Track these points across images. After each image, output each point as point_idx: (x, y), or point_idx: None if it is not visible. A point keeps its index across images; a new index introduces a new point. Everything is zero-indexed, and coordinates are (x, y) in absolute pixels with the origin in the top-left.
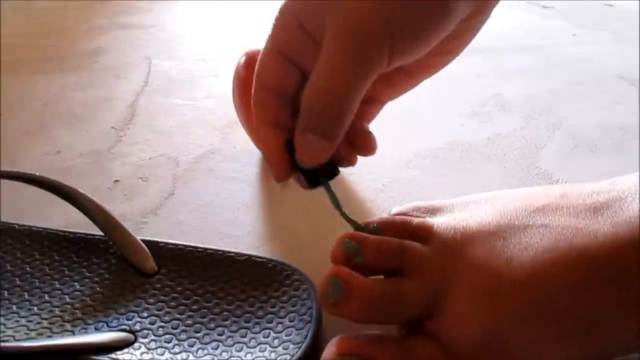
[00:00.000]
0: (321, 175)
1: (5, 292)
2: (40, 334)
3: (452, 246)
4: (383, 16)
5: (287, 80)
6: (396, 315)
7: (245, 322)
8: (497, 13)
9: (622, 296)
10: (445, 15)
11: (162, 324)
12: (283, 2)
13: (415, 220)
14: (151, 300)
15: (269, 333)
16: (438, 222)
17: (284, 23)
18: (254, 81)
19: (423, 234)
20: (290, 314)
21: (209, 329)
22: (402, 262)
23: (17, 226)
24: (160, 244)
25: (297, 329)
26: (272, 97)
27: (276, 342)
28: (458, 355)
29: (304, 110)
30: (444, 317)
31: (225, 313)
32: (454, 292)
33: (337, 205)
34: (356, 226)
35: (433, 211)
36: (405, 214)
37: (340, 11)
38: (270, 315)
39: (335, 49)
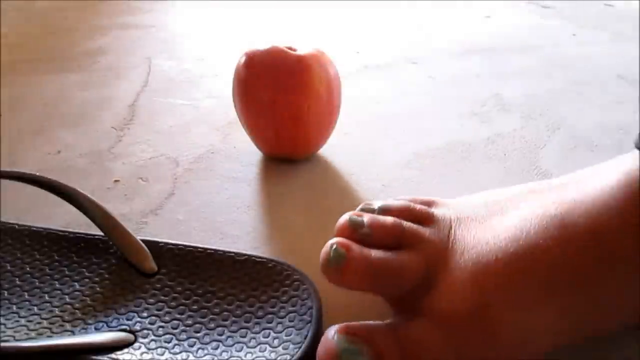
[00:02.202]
0: None
1: (5, 292)
2: (40, 334)
3: (449, 228)
4: None
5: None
6: (394, 285)
7: (245, 322)
8: (497, 13)
9: (602, 250)
10: None
11: (162, 324)
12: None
13: (418, 206)
14: (151, 300)
15: (269, 333)
16: (437, 210)
17: None
18: None
19: (424, 218)
20: (290, 314)
21: (209, 329)
22: (403, 238)
23: (17, 226)
24: (160, 244)
25: (297, 329)
26: None
27: (276, 342)
28: (451, 329)
29: None
30: (438, 290)
31: (225, 313)
32: (448, 267)
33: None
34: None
35: (430, 204)
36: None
37: None
38: (270, 315)
39: None
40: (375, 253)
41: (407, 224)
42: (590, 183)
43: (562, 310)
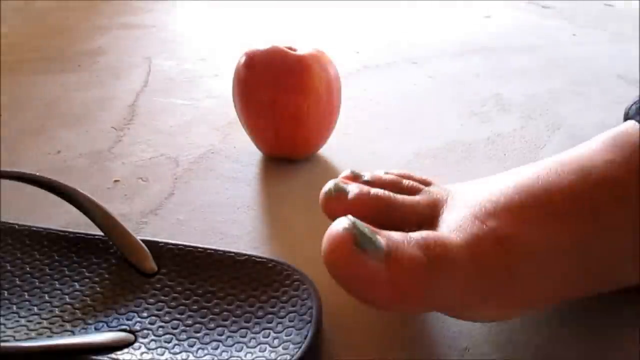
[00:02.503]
0: None
1: (5, 292)
2: (40, 334)
3: (445, 191)
4: None
5: None
6: (396, 217)
7: (245, 322)
8: (497, 13)
9: (615, 187)
10: None
11: (162, 324)
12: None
13: (408, 182)
14: (151, 300)
15: (269, 333)
16: (431, 187)
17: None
18: None
19: (414, 190)
20: (290, 314)
21: (209, 329)
22: (402, 190)
23: (17, 226)
24: (160, 244)
25: (297, 329)
26: None
27: (276, 342)
28: (476, 251)
29: None
30: (442, 219)
31: (225, 313)
32: (456, 206)
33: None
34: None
35: (426, 183)
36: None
37: None
38: (270, 315)
39: None
40: (376, 189)
41: (405, 180)
42: (592, 147)
43: (576, 248)
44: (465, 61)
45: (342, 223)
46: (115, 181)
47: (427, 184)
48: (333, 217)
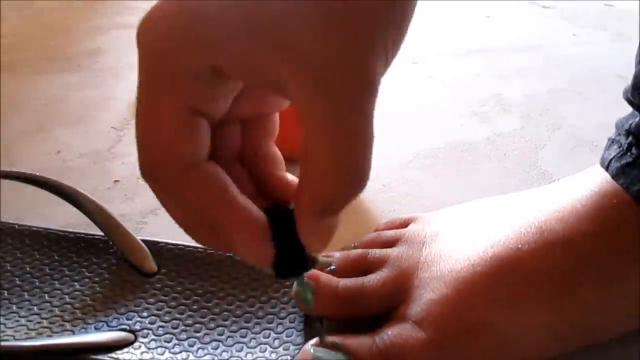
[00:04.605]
0: (296, 266)
1: (5, 292)
2: (40, 334)
3: (421, 244)
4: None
5: (206, 141)
6: (363, 306)
7: (246, 322)
8: (497, 13)
9: (577, 255)
10: None
11: (162, 323)
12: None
13: (372, 254)
14: (151, 300)
15: (270, 333)
16: (407, 230)
17: (191, 70)
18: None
19: (378, 262)
20: (291, 315)
21: (209, 329)
22: (369, 265)
23: (17, 226)
24: (160, 244)
25: (297, 330)
26: (222, 165)
27: (277, 342)
28: (432, 332)
29: (319, 189)
30: (413, 299)
31: (225, 313)
32: (422, 278)
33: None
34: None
35: (406, 223)
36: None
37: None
38: (270, 316)
39: (335, 104)
40: (340, 280)
41: (372, 251)
42: (565, 194)
43: (544, 317)
44: (465, 61)
45: (305, 355)
46: (115, 181)
47: (405, 225)
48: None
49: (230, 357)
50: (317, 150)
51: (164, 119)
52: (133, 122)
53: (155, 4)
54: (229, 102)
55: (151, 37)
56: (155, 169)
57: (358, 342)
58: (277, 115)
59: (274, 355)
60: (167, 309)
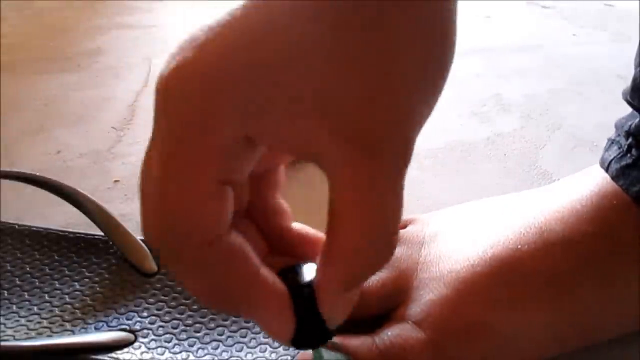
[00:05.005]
0: (315, 339)
1: (5, 292)
2: (40, 334)
3: (420, 245)
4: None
5: (231, 209)
6: (363, 307)
7: (246, 322)
8: (497, 13)
9: (577, 256)
10: None
11: (162, 323)
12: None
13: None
14: (151, 300)
15: None
16: (406, 231)
17: (226, 143)
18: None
19: None
20: None
21: (209, 329)
22: None
23: (17, 226)
24: None
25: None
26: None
27: (277, 342)
28: (431, 332)
29: (348, 266)
30: (413, 300)
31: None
32: (422, 278)
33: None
34: None
35: (404, 224)
36: None
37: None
38: None
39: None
40: None
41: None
42: (565, 194)
43: (544, 317)
44: (465, 61)
45: (305, 355)
46: (115, 181)
47: (404, 226)
48: None
49: (230, 357)
50: (351, 225)
51: (192, 191)
52: (133, 122)
53: (179, 56)
54: (253, 165)
55: (179, 103)
56: (176, 240)
57: (358, 342)
58: (283, 167)
59: (274, 355)
60: (167, 309)
